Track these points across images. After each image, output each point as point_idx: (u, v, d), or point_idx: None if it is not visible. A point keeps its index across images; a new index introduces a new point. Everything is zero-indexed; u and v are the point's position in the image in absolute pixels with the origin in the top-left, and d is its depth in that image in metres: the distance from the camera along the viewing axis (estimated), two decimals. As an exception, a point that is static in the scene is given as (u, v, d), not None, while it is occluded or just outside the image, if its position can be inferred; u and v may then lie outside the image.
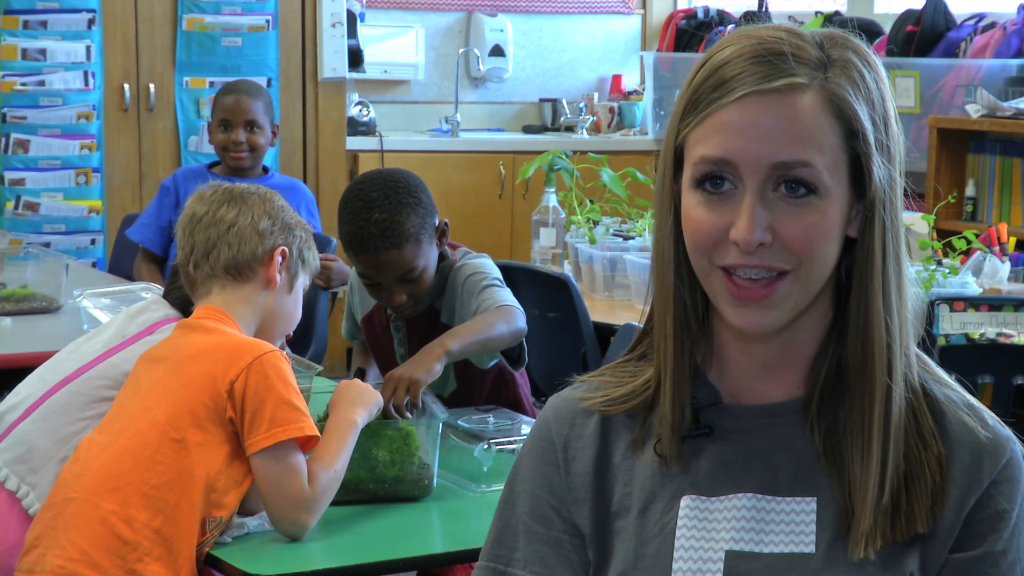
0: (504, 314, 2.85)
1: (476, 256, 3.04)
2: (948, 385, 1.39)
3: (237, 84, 4.52)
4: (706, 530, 1.36)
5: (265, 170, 4.44)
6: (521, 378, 3.15)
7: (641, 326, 1.45)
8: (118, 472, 2.23)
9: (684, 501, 1.37)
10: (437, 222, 2.93)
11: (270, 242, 2.42)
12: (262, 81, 5.94)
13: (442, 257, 2.98)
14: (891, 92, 1.35)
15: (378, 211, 2.82)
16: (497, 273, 3.00)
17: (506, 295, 2.93)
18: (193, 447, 2.23)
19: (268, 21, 6.05)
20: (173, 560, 2.20)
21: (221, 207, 2.42)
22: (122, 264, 4.70)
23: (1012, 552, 1.33)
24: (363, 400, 2.40)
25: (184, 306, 2.53)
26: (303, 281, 2.50)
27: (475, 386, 3.08)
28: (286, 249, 2.44)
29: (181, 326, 2.42)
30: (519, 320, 2.88)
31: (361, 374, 3.19)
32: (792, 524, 1.34)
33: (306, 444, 2.28)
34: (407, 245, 2.84)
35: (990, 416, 1.37)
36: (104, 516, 2.21)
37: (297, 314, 2.50)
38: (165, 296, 2.64)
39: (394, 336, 3.08)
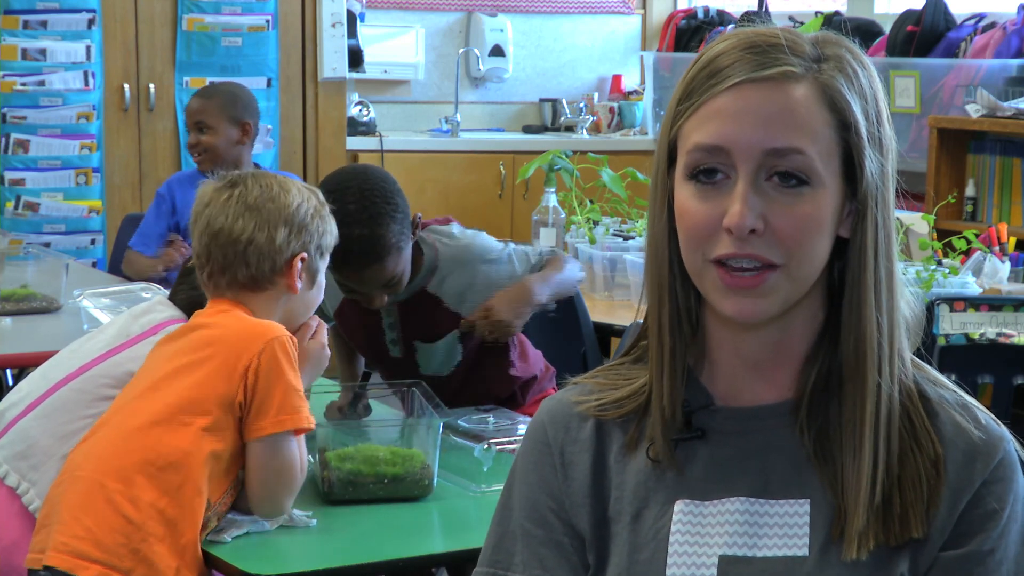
0: (563, 259, 3.03)
1: (467, 236, 3.01)
2: (943, 385, 1.38)
3: (204, 87, 4.55)
4: (700, 535, 1.35)
5: (263, 171, 4.45)
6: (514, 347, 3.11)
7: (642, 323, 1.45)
8: (124, 452, 2.25)
9: (678, 506, 1.37)
10: (411, 217, 2.86)
11: (288, 252, 2.39)
12: (262, 81, 5.95)
13: (416, 246, 2.91)
14: (884, 94, 1.35)
15: (358, 227, 2.74)
16: (498, 242, 3.05)
17: (540, 247, 3.08)
18: (199, 431, 2.25)
19: (268, 21, 6.05)
20: (176, 542, 2.21)
21: (238, 221, 2.37)
22: (122, 264, 4.70)
23: (1000, 551, 1.32)
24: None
25: (189, 308, 2.53)
26: (323, 266, 2.48)
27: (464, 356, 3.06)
28: (305, 254, 2.42)
29: (197, 315, 2.42)
30: (577, 264, 3.09)
31: (366, 378, 3.18)
32: (785, 527, 1.34)
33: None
34: (389, 257, 2.79)
35: (983, 415, 1.36)
36: (109, 496, 2.22)
37: (319, 296, 2.49)
38: (171, 298, 2.64)
39: (384, 319, 3.01)
